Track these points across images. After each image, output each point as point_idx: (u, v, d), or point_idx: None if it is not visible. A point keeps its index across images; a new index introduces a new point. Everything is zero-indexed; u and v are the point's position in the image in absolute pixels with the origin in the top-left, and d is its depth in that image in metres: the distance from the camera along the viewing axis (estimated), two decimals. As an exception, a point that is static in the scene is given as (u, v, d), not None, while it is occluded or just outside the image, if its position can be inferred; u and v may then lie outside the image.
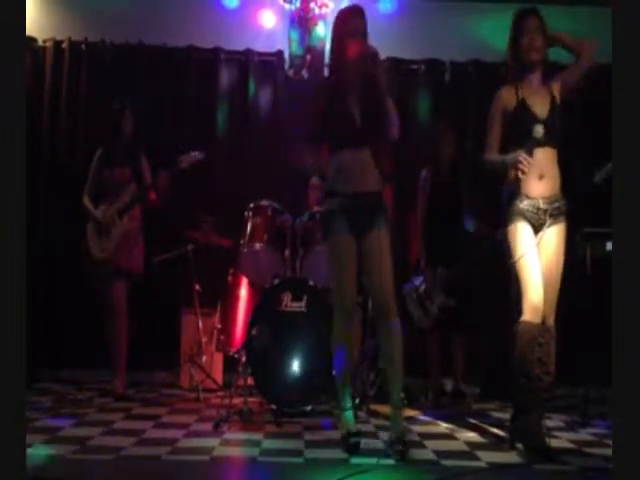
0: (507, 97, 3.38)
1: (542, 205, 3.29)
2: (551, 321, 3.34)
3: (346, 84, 3.33)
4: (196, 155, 4.61)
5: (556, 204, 3.32)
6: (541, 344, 3.30)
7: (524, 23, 3.33)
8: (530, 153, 3.15)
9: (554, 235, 3.32)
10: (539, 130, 3.17)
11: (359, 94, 3.32)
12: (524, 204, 3.30)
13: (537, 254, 3.28)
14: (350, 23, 3.27)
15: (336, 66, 3.38)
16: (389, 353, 3.26)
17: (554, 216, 3.30)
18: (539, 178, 3.27)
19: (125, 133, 4.72)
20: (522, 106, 3.33)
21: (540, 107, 3.34)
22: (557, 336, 3.36)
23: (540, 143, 3.22)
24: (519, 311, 3.27)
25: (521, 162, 3.12)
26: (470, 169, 4.73)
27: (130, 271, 4.59)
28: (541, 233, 3.29)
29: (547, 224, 3.27)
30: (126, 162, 4.69)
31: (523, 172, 3.13)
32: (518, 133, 3.29)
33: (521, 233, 3.28)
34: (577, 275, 4.44)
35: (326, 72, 5.67)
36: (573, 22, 5.61)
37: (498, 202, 3.48)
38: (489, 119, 3.44)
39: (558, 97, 3.39)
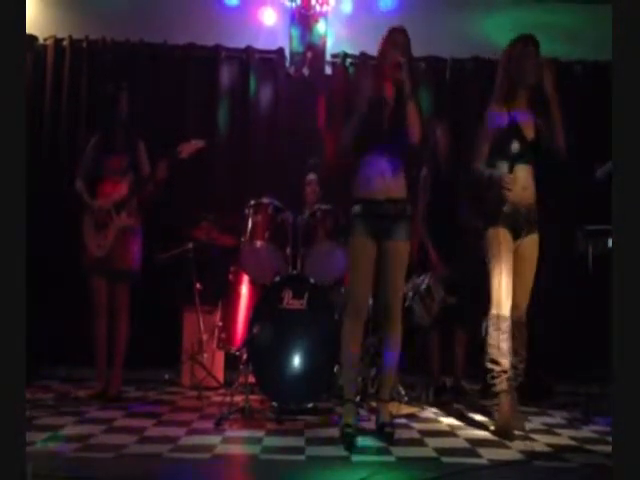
0: (498, 115, 3.69)
1: (523, 212, 3.67)
2: (524, 316, 3.74)
3: (379, 91, 3.48)
4: (197, 143, 4.41)
5: (533, 213, 3.70)
6: (516, 337, 3.67)
7: (527, 49, 3.66)
8: (511, 169, 3.61)
9: (531, 241, 3.71)
10: (516, 146, 3.63)
11: (391, 101, 3.45)
12: (509, 211, 3.64)
13: (512, 258, 3.66)
14: (390, 37, 3.50)
15: (375, 75, 3.56)
16: (383, 362, 3.57)
17: (530, 223, 3.69)
18: (522, 190, 3.64)
19: (122, 117, 4.49)
20: (513, 126, 3.66)
21: (528, 128, 3.69)
22: (557, 333, 3.44)
23: (522, 159, 3.64)
24: (490, 306, 3.65)
25: (507, 182, 3.54)
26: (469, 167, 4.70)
27: (127, 271, 4.40)
28: (519, 241, 3.68)
29: (525, 230, 3.68)
30: (124, 149, 4.45)
31: (509, 190, 3.54)
32: (504, 150, 3.65)
33: (501, 237, 3.65)
34: (579, 272, 4.45)
35: (327, 70, 5.73)
36: (573, 19, 5.62)
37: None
38: (481, 131, 3.75)
39: (539, 122, 3.69)
